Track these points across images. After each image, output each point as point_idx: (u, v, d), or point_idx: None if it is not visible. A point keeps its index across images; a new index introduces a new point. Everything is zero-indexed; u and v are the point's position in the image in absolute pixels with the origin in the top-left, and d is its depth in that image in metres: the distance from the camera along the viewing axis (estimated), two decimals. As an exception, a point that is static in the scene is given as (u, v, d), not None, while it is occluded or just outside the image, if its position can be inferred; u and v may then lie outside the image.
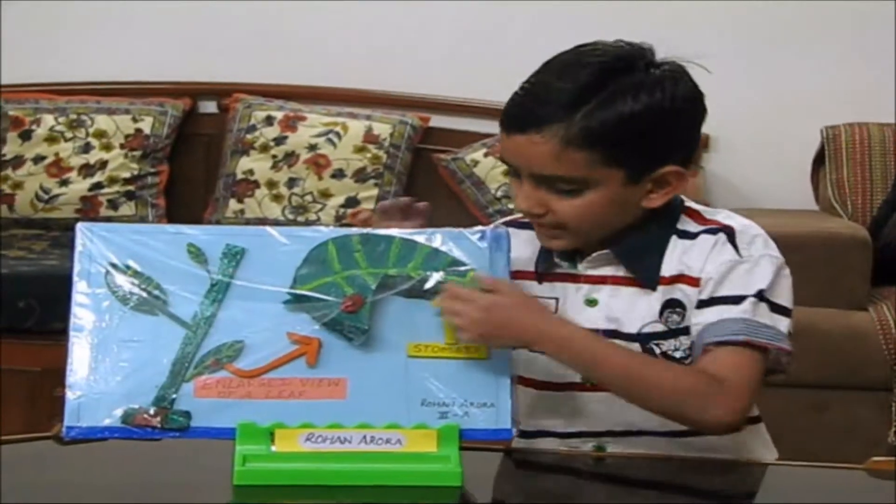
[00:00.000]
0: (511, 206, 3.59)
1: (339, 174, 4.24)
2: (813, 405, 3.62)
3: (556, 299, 1.86)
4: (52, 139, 4.29)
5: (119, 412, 1.66)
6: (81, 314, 1.70)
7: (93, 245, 1.73)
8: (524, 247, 1.87)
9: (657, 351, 1.82)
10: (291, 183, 4.24)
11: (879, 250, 3.76)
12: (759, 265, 1.81)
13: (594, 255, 1.85)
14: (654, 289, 1.83)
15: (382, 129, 4.28)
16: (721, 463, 1.84)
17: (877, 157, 4.14)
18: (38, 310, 3.63)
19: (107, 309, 1.70)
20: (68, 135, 4.29)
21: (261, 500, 1.62)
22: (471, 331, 1.71)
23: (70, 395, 1.67)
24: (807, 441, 3.31)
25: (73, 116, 4.31)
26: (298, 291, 1.72)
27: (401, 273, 1.74)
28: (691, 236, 1.84)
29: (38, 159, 4.27)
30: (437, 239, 1.76)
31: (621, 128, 1.75)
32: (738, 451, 1.88)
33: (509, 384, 1.72)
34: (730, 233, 1.83)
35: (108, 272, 1.72)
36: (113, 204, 4.26)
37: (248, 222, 4.15)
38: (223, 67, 4.46)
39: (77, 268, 1.72)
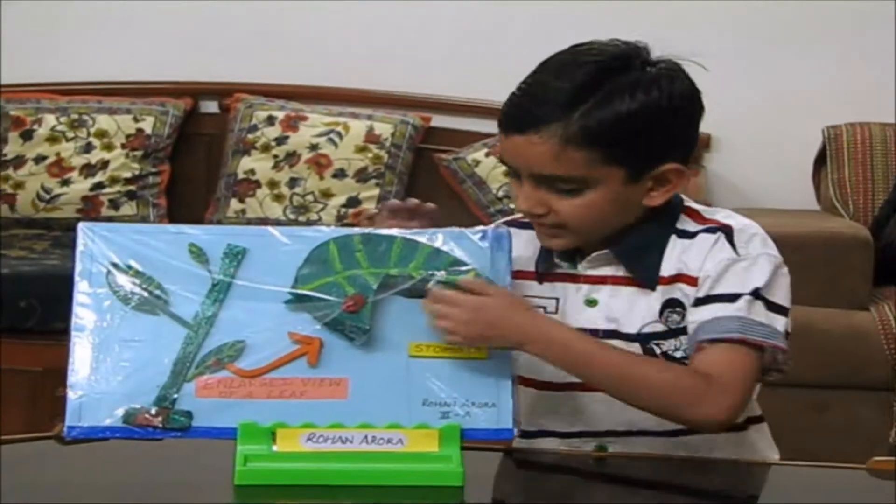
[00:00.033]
0: (512, 205, 3.60)
1: (340, 174, 4.24)
2: (814, 405, 3.62)
3: (557, 299, 1.86)
4: (53, 139, 4.29)
5: (120, 412, 1.66)
6: (83, 314, 1.70)
7: (94, 245, 1.73)
8: (525, 247, 1.87)
9: (657, 351, 1.82)
10: (293, 183, 4.24)
11: (881, 250, 3.76)
12: (757, 264, 1.81)
13: (594, 255, 1.85)
14: (653, 289, 1.83)
15: (384, 129, 4.29)
16: (721, 463, 1.84)
17: (878, 157, 4.14)
18: (40, 309, 3.64)
19: (108, 309, 1.71)
20: (69, 135, 4.29)
21: (262, 499, 1.62)
22: (457, 333, 1.70)
23: (71, 394, 1.67)
24: (808, 441, 3.31)
25: (75, 116, 4.31)
26: (300, 291, 1.72)
27: (402, 273, 1.74)
28: (690, 236, 1.84)
29: (39, 159, 4.27)
30: (439, 239, 1.76)
31: (619, 126, 1.75)
32: (744, 451, 1.88)
33: (510, 384, 1.72)
34: (728, 232, 1.83)
35: (109, 272, 1.72)
36: (114, 204, 4.26)
37: (249, 222, 4.16)
38: (224, 67, 4.46)
39: (78, 268, 1.72)
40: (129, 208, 4.27)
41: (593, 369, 1.75)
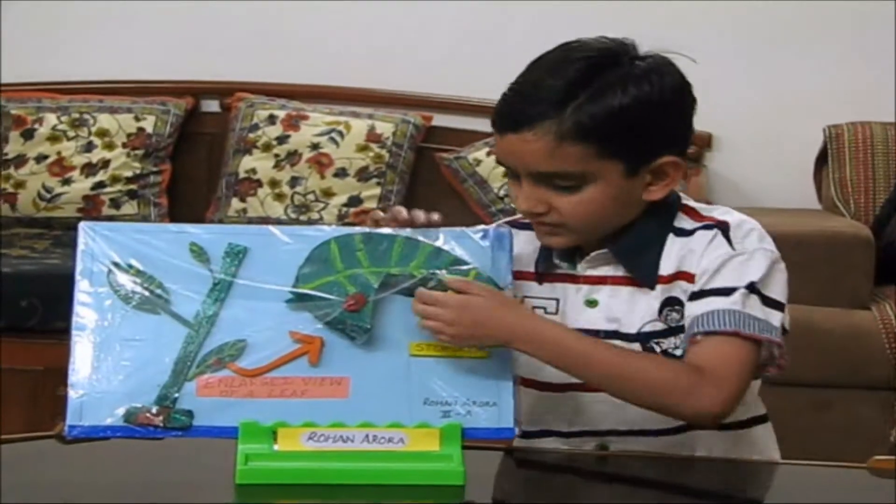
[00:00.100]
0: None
1: (341, 173, 4.24)
2: (815, 404, 3.62)
3: (557, 300, 1.86)
4: (54, 138, 4.29)
5: (121, 411, 1.66)
6: (84, 313, 1.71)
7: (95, 244, 1.73)
8: (525, 247, 1.87)
9: (658, 349, 1.82)
10: (294, 182, 4.24)
11: (882, 249, 3.76)
12: (753, 258, 1.81)
13: (593, 254, 1.85)
14: (652, 287, 1.83)
15: (385, 128, 4.28)
16: (722, 462, 1.84)
17: (879, 157, 4.14)
18: (41, 309, 3.64)
19: (109, 308, 1.71)
20: (70, 134, 4.29)
21: (263, 499, 1.62)
22: (444, 332, 1.70)
23: (72, 394, 1.67)
24: (809, 440, 3.30)
25: (76, 115, 4.31)
26: (301, 290, 1.72)
27: (403, 272, 1.74)
28: (688, 233, 1.84)
29: (40, 158, 4.27)
30: (440, 238, 1.76)
31: (613, 120, 1.76)
32: (746, 451, 1.88)
33: (511, 383, 1.72)
34: (725, 228, 1.83)
35: (110, 271, 1.72)
36: (115, 203, 4.26)
37: (250, 221, 4.15)
38: (225, 66, 4.46)
39: (79, 267, 1.72)
40: (130, 207, 4.27)
41: (589, 367, 1.75)
